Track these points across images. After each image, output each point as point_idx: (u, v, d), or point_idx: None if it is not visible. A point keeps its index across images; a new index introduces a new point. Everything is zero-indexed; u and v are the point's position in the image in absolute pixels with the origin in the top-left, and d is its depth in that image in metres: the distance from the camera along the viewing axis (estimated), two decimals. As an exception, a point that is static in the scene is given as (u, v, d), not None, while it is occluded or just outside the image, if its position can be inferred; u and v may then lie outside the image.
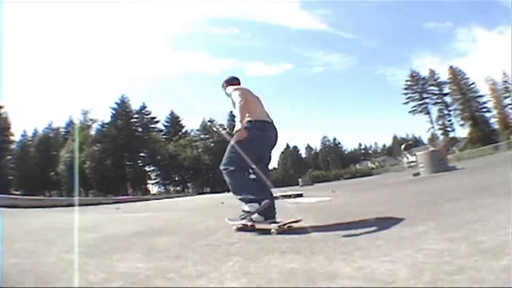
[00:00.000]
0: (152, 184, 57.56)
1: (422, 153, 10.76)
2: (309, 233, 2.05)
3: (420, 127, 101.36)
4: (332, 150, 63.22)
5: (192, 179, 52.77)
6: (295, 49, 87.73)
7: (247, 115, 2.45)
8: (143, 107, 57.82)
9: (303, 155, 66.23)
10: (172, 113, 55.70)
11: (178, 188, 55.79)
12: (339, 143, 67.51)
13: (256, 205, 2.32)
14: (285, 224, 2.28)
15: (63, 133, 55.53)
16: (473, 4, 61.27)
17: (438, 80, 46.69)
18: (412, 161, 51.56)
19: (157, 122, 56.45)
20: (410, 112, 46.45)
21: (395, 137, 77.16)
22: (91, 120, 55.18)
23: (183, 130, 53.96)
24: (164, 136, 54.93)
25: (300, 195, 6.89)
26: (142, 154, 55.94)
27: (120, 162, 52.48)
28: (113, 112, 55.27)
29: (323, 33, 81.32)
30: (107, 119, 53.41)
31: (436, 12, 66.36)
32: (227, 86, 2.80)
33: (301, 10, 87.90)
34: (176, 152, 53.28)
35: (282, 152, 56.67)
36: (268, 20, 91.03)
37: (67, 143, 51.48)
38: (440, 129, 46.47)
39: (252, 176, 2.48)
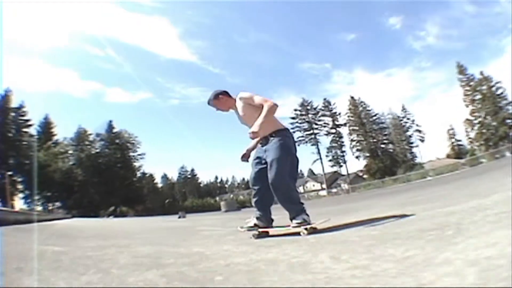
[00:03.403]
0: (21, 198, 47.49)
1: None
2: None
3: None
4: (189, 181, 59.97)
5: (62, 198, 43.74)
6: (158, 79, 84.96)
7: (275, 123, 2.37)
8: (21, 106, 48.00)
9: (159, 185, 58.71)
10: (46, 118, 46.35)
11: (46, 206, 46.23)
12: (196, 174, 64.12)
13: (308, 218, 2.28)
14: (310, 226, 2.20)
15: None
16: (365, 47, 61.97)
17: (333, 111, 44.00)
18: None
19: (30, 126, 46.80)
20: (295, 142, 42.44)
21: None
22: None
23: (54, 139, 44.98)
24: (34, 143, 45.51)
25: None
26: (11, 160, 46.08)
27: None
28: None
29: (191, 65, 78.99)
30: None
31: (318, 54, 66.39)
32: (222, 98, 2.58)
33: (179, 40, 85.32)
34: (46, 162, 44.04)
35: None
36: (145, 46, 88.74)
37: None
38: (330, 160, 43.53)
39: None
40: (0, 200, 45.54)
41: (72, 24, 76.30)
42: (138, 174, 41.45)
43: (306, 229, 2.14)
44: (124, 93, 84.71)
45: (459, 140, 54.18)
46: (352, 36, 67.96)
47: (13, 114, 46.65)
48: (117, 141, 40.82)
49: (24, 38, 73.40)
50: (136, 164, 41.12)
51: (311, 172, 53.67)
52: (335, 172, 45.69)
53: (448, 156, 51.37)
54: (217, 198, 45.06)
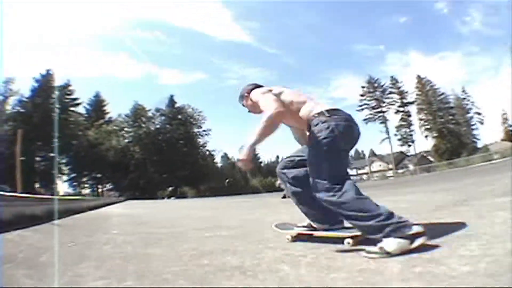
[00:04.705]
0: (64, 181, 43.29)
1: None
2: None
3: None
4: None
5: (115, 179, 39.78)
6: (214, 60, 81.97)
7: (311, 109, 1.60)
8: (67, 85, 44.53)
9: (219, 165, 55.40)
10: (97, 95, 42.72)
11: (95, 189, 41.96)
12: (257, 154, 61.85)
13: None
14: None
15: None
16: (417, 30, 61.29)
17: (401, 89, 42.06)
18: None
19: (78, 104, 43.18)
20: (364, 120, 40.52)
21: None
22: (10, 91, 41.00)
23: (107, 117, 41.31)
24: (84, 121, 41.80)
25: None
26: (55, 140, 42.25)
27: (31, 148, 38.50)
28: (35, 85, 41.65)
29: (247, 46, 77.16)
30: (28, 92, 40.24)
31: (371, 35, 65.57)
32: (247, 97, 1.83)
33: (232, 22, 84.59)
34: (97, 141, 40.35)
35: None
36: (197, 28, 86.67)
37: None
38: (399, 139, 41.27)
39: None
40: (44, 184, 41.57)
41: (122, 9, 74.70)
42: (203, 151, 38.04)
43: (352, 238, 1.51)
44: (179, 75, 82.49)
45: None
46: (403, 18, 67.07)
47: (57, 93, 43.21)
48: (179, 116, 37.57)
49: (72, 25, 71.83)
50: (201, 140, 37.85)
51: (372, 152, 51.35)
52: (401, 152, 43.49)
53: (503, 140, 50.16)
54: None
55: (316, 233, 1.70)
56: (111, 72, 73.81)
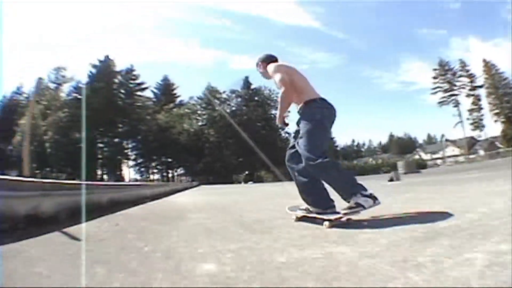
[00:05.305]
0: (130, 167, 42.27)
1: None
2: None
3: (418, 126, 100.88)
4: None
5: (189, 163, 38.76)
6: (282, 45, 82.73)
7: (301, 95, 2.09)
8: (130, 70, 43.73)
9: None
10: (165, 79, 42.01)
11: (164, 174, 40.88)
12: (333, 138, 61.31)
13: (370, 201, 1.83)
14: (341, 217, 1.82)
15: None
16: (472, 15, 60.96)
17: (470, 72, 41.62)
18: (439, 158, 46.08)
19: (144, 89, 42.40)
20: (439, 103, 40.38)
21: (391, 136, 73.60)
22: (63, 77, 40.21)
23: (177, 101, 40.50)
24: (153, 105, 40.95)
25: None
26: (120, 126, 41.33)
27: (91, 135, 37.60)
28: (93, 71, 40.82)
29: (315, 30, 77.37)
30: (85, 79, 39.47)
31: (432, 19, 65.02)
32: (263, 65, 2.35)
33: (297, 6, 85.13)
34: (168, 124, 39.48)
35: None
36: (262, 13, 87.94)
37: (29, 107, 36.07)
38: (471, 124, 40.73)
39: None
40: (106, 172, 40.50)
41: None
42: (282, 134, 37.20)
43: (330, 220, 1.79)
44: (249, 60, 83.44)
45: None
46: (457, 4, 66.67)
47: (119, 78, 42.41)
48: (256, 98, 36.87)
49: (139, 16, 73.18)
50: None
51: (442, 136, 50.75)
52: (472, 137, 42.88)
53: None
54: (355, 162, 41.27)
55: (318, 216, 1.93)
56: (181, 58, 75.15)
